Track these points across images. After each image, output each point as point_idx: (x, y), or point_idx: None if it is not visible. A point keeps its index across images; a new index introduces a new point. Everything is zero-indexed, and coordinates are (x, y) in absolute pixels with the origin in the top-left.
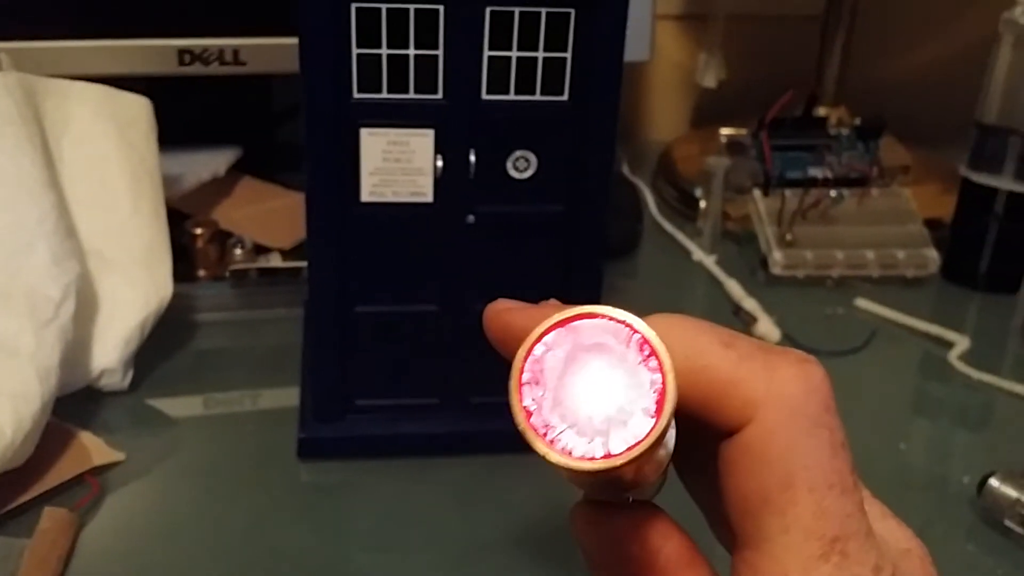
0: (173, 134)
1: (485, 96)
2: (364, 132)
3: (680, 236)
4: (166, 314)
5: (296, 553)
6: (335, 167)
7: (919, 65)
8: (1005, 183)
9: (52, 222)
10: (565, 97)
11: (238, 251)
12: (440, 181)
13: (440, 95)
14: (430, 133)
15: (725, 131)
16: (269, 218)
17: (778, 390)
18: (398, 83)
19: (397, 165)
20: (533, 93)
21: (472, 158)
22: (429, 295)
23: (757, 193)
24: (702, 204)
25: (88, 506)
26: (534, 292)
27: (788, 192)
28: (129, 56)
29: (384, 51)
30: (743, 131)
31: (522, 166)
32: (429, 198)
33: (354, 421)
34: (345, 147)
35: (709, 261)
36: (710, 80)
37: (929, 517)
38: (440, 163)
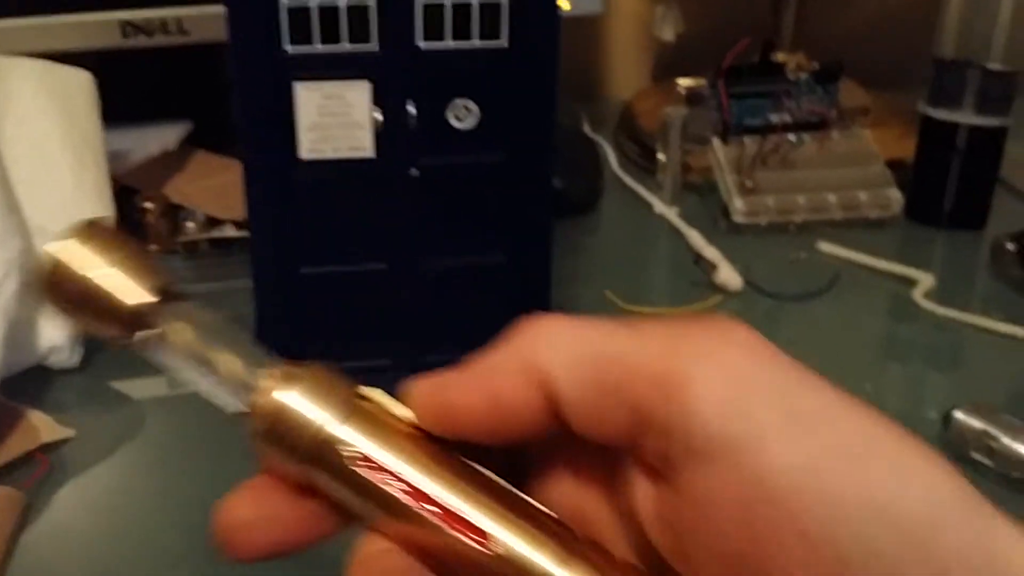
0: (123, 110)
1: (421, 44)
2: (298, 86)
3: (642, 190)
4: None
5: None
6: (270, 125)
7: (875, 7)
8: (965, 117)
9: None
10: (504, 42)
11: (190, 224)
12: (380, 135)
13: (375, 45)
14: (366, 85)
15: (683, 82)
16: (221, 190)
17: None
18: (330, 34)
19: (334, 120)
20: (470, 39)
21: (411, 109)
22: (377, 253)
23: (716, 142)
24: (661, 156)
25: (38, 484)
26: (482, 246)
27: (748, 139)
28: (71, 31)
29: (314, 1)
30: (702, 81)
31: (463, 115)
32: (370, 153)
33: None
34: (279, 103)
35: (671, 213)
36: (668, 33)
37: None
38: (379, 116)
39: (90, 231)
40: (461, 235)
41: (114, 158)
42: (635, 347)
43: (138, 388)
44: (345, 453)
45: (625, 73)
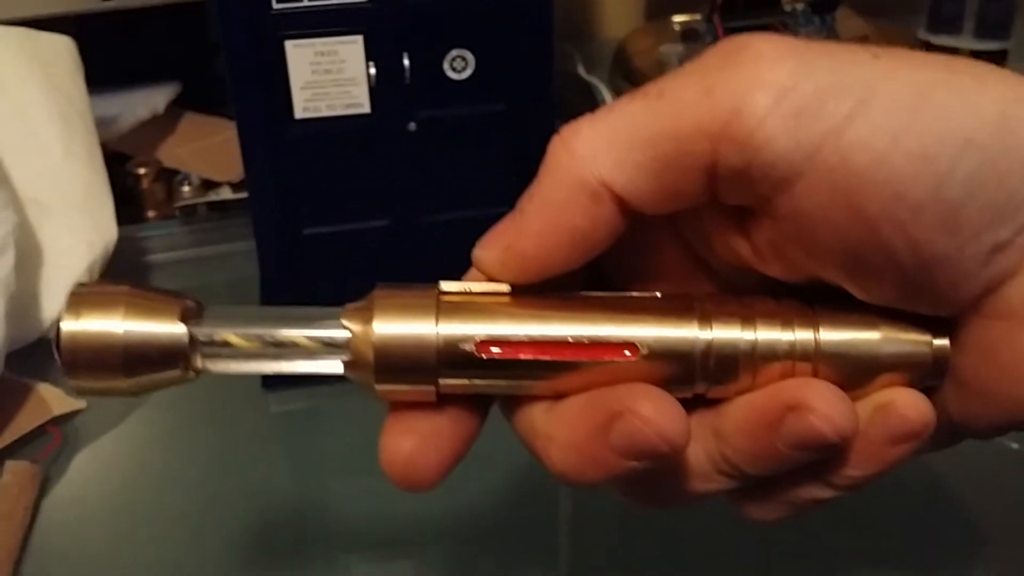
0: (108, 74)
1: None
2: (289, 44)
3: None
4: (117, 258)
5: (269, 484)
6: (263, 86)
7: None
8: (965, 42)
9: None
10: None
11: (185, 188)
12: (375, 90)
13: None
14: (359, 39)
15: (678, 18)
16: (215, 152)
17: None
18: None
19: (328, 77)
20: None
21: (406, 62)
22: (379, 210)
23: None
24: None
25: (52, 456)
26: (485, 199)
27: None
28: None
29: None
30: (697, 17)
31: (459, 66)
32: (366, 108)
33: None
34: (271, 63)
35: None
36: None
37: None
38: (373, 70)
39: (83, 294)
40: (463, 188)
41: (102, 124)
42: (674, 113)
43: None
44: (466, 348)
45: (617, 12)
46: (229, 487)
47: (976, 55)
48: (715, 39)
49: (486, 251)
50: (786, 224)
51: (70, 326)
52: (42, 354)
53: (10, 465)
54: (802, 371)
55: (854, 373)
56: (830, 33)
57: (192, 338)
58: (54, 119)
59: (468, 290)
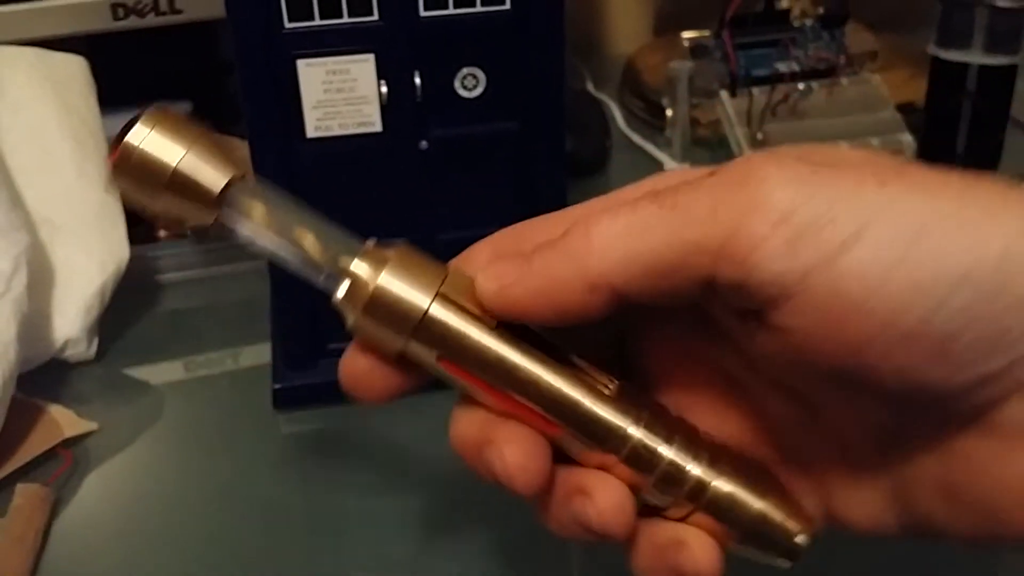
0: (120, 94)
1: (423, 13)
2: (301, 64)
3: (650, 147)
4: (130, 278)
5: (283, 505)
6: (275, 104)
7: None
8: (975, 57)
9: None
10: (507, 6)
11: None
12: (387, 108)
13: (376, 16)
14: (370, 58)
15: (687, 35)
16: None
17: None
18: (330, 8)
19: (340, 95)
20: (473, 5)
21: (417, 80)
22: (390, 229)
23: (724, 95)
24: (668, 112)
25: (63, 478)
26: (497, 217)
27: (756, 90)
28: (61, 16)
29: None
30: (706, 33)
31: (471, 84)
32: (378, 127)
33: (327, 366)
34: (282, 82)
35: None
36: None
37: None
38: (385, 89)
39: (162, 118)
40: (475, 206)
41: None
42: (682, 225)
43: (155, 374)
44: (429, 353)
45: (625, 28)
46: (240, 509)
47: (986, 70)
48: (724, 55)
49: (485, 281)
50: (777, 335)
51: (142, 132)
52: (54, 375)
53: (21, 488)
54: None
55: (724, 519)
56: (839, 48)
57: (228, 189)
58: (67, 139)
59: (464, 305)
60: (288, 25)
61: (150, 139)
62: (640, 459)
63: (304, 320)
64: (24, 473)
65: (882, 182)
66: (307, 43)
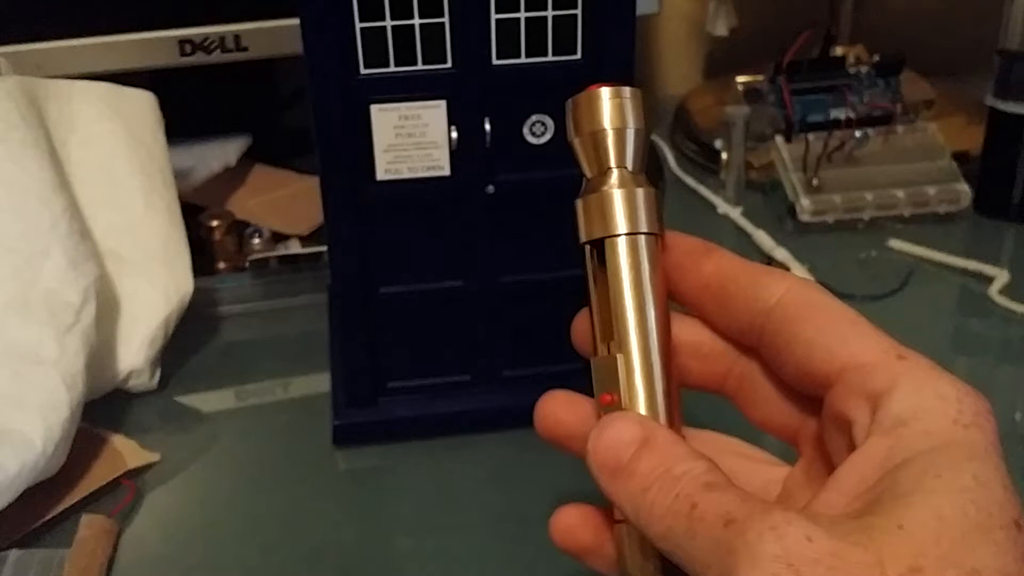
0: (180, 127)
1: (496, 61)
2: (374, 109)
3: (703, 190)
4: (189, 309)
5: (339, 541)
6: (347, 148)
7: None
8: None
9: (65, 225)
10: (578, 56)
11: (256, 240)
12: (456, 153)
13: (449, 64)
14: (442, 104)
15: (741, 79)
16: (285, 205)
17: None
18: (405, 55)
19: (411, 140)
20: (545, 55)
21: (487, 126)
22: (454, 271)
23: (779, 140)
24: (724, 156)
25: (126, 510)
26: (560, 261)
27: (811, 136)
28: (129, 51)
29: (388, 23)
30: (760, 78)
31: (539, 131)
32: (446, 171)
33: (387, 404)
34: (355, 126)
35: (735, 213)
36: (721, 28)
37: None
38: (455, 134)
39: (623, 92)
40: (538, 250)
41: (177, 176)
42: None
43: (213, 404)
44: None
45: (677, 70)
46: (300, 544)
47: None
48: (780, 100)
49: (602, 449)
50: None
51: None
52: (118, 405)
53: (87, 519)
54: None
55: None
56: (895, 96)
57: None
58: (135, 173)
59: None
60: (364, 71)
61: (612, 100)
62: None
63: (365, 358)
64: (86, 504)
65: None
66: (381, 89)
